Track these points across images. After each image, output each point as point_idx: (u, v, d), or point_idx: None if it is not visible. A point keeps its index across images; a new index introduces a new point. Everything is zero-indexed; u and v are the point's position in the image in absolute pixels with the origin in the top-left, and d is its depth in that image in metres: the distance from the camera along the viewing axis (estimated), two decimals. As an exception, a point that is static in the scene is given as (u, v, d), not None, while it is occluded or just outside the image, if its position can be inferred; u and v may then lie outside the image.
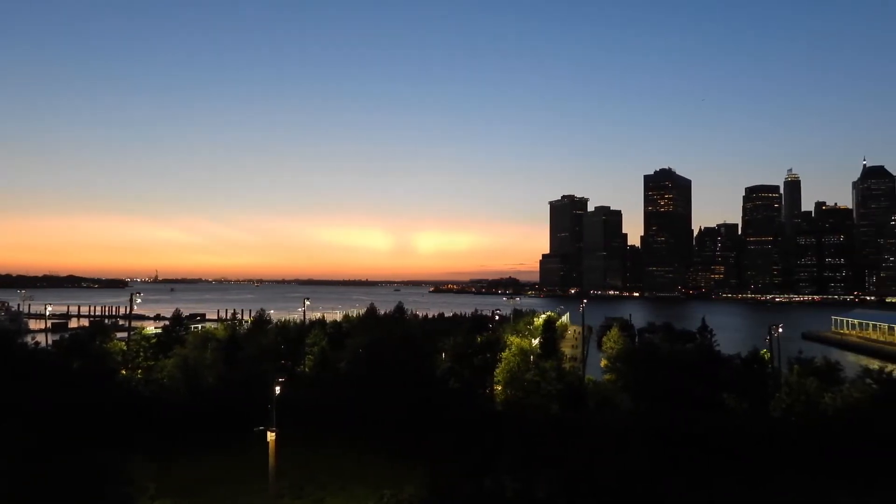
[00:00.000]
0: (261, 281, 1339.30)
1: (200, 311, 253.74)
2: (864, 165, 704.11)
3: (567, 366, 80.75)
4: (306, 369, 77.70)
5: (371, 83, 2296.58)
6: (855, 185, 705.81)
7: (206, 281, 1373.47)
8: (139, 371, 73.61)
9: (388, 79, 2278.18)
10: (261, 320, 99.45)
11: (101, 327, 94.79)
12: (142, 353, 76.79)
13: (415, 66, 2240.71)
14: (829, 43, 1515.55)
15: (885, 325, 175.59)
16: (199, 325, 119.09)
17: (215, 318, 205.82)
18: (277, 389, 40.15)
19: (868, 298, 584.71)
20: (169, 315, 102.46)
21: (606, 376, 76.22)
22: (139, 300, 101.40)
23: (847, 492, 35.24)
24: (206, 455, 44.94)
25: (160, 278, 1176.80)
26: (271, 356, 73.95)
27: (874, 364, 62.77)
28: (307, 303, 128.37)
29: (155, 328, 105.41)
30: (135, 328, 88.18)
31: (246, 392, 53.24)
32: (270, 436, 38.44)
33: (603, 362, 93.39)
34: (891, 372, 53.23)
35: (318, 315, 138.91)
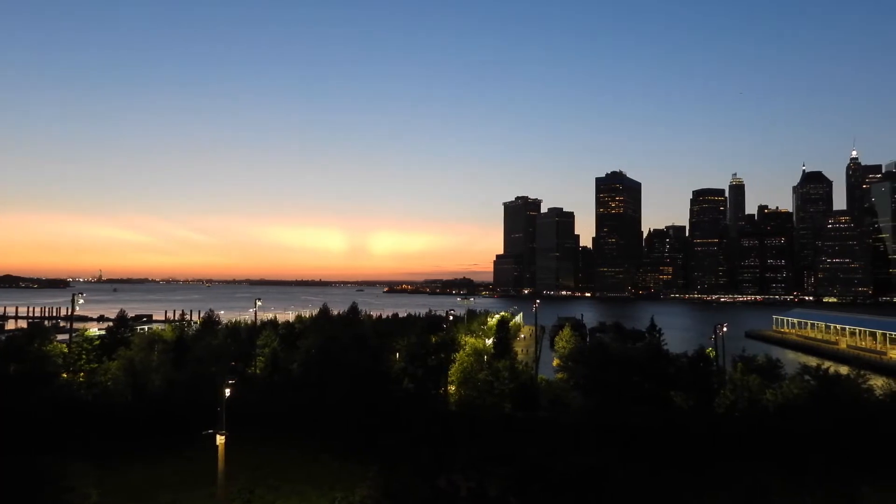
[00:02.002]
0: (211, 281, 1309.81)
1: (147, 311, 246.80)
2: (804, 171, 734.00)
3: (520, 365, 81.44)
4: (257, 371, 76.24)
5: (328, 83, 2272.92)
6: (795, 189, 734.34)
7: (154, 281, 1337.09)
8: (81, 374, 70.85)
9: (345, 79, 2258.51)
10: (210, 321, 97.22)
11: (39, 329, 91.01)
12: (84, 356, 73.89)
13: (371, 67, 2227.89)
14: (772, 53, 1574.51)
15: (823, 324, 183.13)
16: (146, 327, 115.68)
17: (163, 318, 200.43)
18: (227, 391, 39.30)
19: (807, 298, 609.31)
20: (113, 316, 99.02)
21: (559, 375, 77.17)
22: (81, 301, 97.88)
23: (785, 484, 36.58)
24: (152, 459, 43.73)
25: (104, 278, 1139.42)
26: (221, 358, 72.27)
27: (812, 361, 65.43)
28: (258, 303, 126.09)
29: (98, 330, 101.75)
30: (77, 330, 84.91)
31: (194, 394, 51.98)
32: (220, 439, 37.60)
33: (555, 361, 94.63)
34: (827, 369, 55.50)
35: (270, 316, 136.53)
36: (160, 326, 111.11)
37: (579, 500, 35.20)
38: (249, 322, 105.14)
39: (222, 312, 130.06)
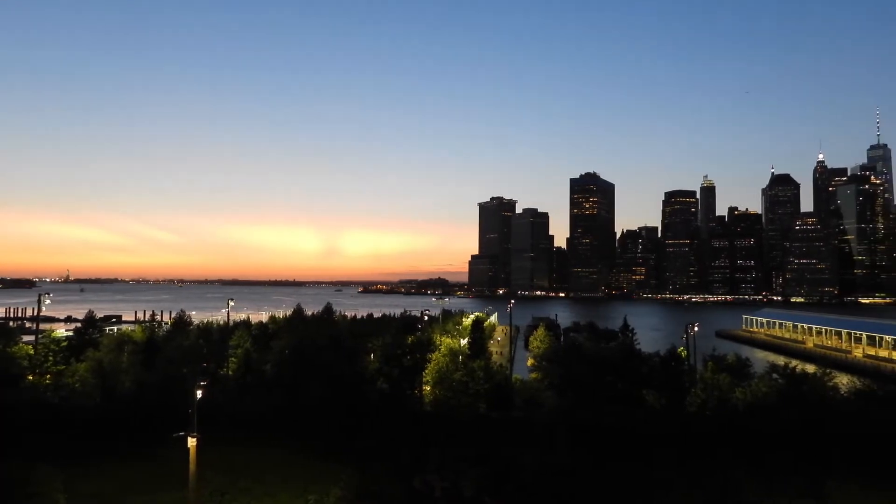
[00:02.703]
0: (183, 281, 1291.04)
1: (116, 312, 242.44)
2: (773, 173, 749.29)
3: (495, 365, 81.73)
4: (230, 372, 75.42)
5: (302, 82, 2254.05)
6: (764, 191, 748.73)
7: (123, 281, 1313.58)
8: (48, 376, 69.32)
9: (318, 78, 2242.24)
10: (181, 322, 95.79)
11: (4, 330, 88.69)
12: (51, 358, 72.28)
13: (344, 65, 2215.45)
14: (741, 57, 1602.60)
15: (790, 324, 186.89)
16: (115, 328, 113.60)
17: (133, 319, 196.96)
18: (199, 393, 38.69)
19: (775, 298, 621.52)
20: (81, 317, 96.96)
21: (533, 375, 77.67)
22: (48, 301, 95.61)
23: (755, 481, 37.26)
24: (121, 463, 42.96)
25: (72, 278, 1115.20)
26: (193, 359, 71.30)
27: (780, 360, 66.70)
28: (231, 303, 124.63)
29: (66, 331, 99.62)
30: (43, 331, 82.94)
31: (165, 396, 51.20)
32: (191, 441, 37.02)
33: (530, 361, 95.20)
34: (795, 367, 56.69)
35: (243, 316, 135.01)
36: (130, 327, 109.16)
37: (553, 500, 35.43)
38: (222, 322, 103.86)
39: (194, 313, 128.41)
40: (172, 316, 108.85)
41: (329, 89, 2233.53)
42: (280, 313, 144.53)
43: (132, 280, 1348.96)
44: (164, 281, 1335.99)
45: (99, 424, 48.10)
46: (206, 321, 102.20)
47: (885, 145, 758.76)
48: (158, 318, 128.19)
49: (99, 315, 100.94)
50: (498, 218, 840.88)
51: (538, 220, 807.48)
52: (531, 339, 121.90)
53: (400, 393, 64.64)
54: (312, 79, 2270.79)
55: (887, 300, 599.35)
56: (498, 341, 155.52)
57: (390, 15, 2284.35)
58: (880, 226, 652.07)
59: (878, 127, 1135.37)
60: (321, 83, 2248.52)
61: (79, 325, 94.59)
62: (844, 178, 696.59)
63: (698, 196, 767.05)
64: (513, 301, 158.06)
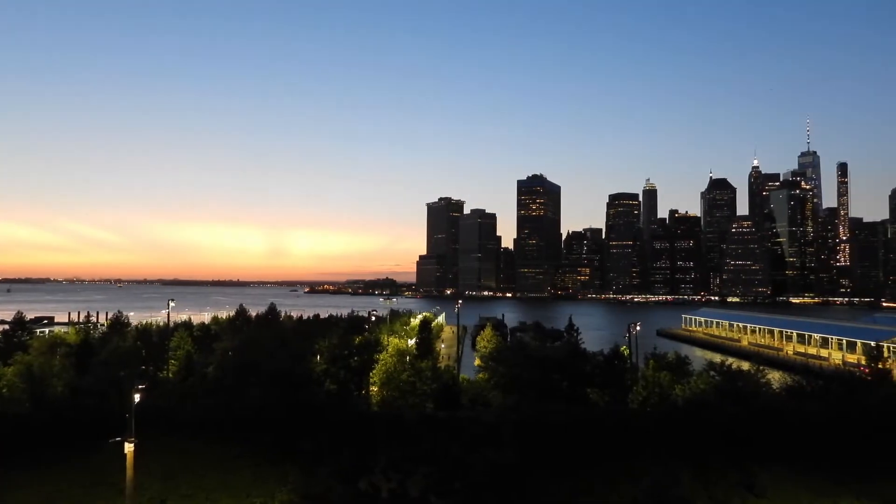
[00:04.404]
0: (121, 281, 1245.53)
1: (48, 313, 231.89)
2: (711, 177, 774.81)
3: (442, 365, 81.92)
4: (170, 375, 73.19)
5: (247, 78, 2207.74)
6: (703, 195, 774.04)
7: (56, 281, 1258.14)
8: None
9: (266, 75, 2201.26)
10: (118, 323, 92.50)
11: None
12: (-26, 362, 68.56)
13: (293, 63, 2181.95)
14: (682, 69, 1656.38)
15: (727, 323, 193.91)
16: (47, 330, 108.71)
17: (66, 321, 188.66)
18: (137, 397, 37.38)
19: (713, 298, 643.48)
20: (9, 318, 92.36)
21: (480, 375, 78.07)
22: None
23: (693, 474, 38.51)
24: (54, 471, 40.99)
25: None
26: (130, 362, 68.89)
27: (717, 358, 69.02)
28: (171, 304, 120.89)
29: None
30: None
31: (101, 401, 49.26)
32: (128, 446, 35.71)
33: (477, 361, 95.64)
34: (731, 365, 58.78)
35: (184, 317, 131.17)
36: (63, 329, 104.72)
37: (500, 497, 35.75)
38: (162, 324, 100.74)
39: (132, 314, 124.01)
40: (109, 317, 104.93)
41: (275, 87, 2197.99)
42: (223, 314, 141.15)
43: (65, 280, 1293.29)
44: (100, 281, 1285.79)
45: (27, 432, 45.81)
46: (144, 322, 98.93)
47: (815, 152, 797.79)
48: (94, 319, 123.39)
49: (29, 316, 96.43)
50: (446, 218, 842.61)
51: (486, 220, 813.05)
52: (478, 338, 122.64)
53: (347, 394, 64.07)
54: (258, 76, 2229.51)
55: (816, 300, 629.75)
56: (445, 341, 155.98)
57: (335, 15, 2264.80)
58: (809, 229, 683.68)
59: (808, 135, 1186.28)
60: (267, 81, 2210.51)
61: (6, 326, 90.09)
62: (777, 184, 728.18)
63: (641, 199, 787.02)
64: (460, 301, 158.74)
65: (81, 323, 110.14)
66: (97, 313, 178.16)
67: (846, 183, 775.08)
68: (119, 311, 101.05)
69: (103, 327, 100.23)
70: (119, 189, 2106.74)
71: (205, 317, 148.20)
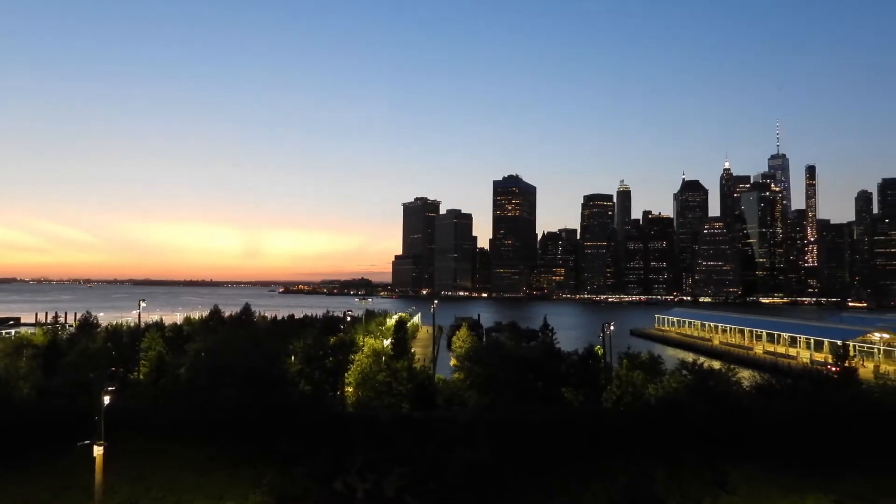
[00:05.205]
0: (90, 281, 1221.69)
1: (13, 314, 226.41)
2: (683, 179, 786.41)
3: (418, 365, 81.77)
4: (141, 376, 71.97)
5: (222, 74, 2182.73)
6: (676, 196, 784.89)
7: (23, 281, 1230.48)
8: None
9: (241, 70, 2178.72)
10: (87, 323, 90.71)
11: None
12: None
13: (270, 60, 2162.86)
14: (656, 69, 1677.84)
15: (699, 323, 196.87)
16: (12, 330, 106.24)
17: (33, 321, 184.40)
18: (106, 399, 36.68)
19: (685, 298, 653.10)
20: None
21: (456, 375, 78.10)
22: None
23: (666, 472, 38.99)
24: (19, 476, 39.95)
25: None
26: (100, 363, 67.60)
27: (689, 357, 69.79)
28: (143, 304, 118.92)
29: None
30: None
31: (69, 402, 48.23)
32: (97, 450, 35.02)
33: (452, 361, 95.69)
34: (702, 364, 59.61)
35: (156, 318, 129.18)
36: (30, 330, 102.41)
37: (476, 497, 35.81)
38: (132, 324, 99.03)
39: (101, 314, 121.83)
40: (78, 318, 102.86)
41: (251, 85, 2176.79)
42: (196, 314, 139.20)
43: (32, 280, 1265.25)
44: (69, 281, 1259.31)
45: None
46: (114, 323, 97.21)
47: (784, 155, 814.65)
48: (62, 319, 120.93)
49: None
50: (422, 218, 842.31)
51: (462, 220, 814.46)
52: (454, 338, 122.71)
53: (322, 394, 63.63)
54: (233, 74, 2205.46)
55: (785, 300, 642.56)
56: (422, 340, 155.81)
57: (314, 13, 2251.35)
58: (779, 230, 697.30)
59: (777, 138, 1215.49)
60: (242, 79, 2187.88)
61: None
62: (748, 185, 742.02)
63: (615, 200, 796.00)
64: (436, 301, 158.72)
65: (49, 324, 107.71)
66: (65, 314, 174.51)
67: (814, 185, 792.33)
68: (88, 312, 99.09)
69: (71, 328, 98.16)
70: (89, 187, 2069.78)
71: (177, 317, 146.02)
